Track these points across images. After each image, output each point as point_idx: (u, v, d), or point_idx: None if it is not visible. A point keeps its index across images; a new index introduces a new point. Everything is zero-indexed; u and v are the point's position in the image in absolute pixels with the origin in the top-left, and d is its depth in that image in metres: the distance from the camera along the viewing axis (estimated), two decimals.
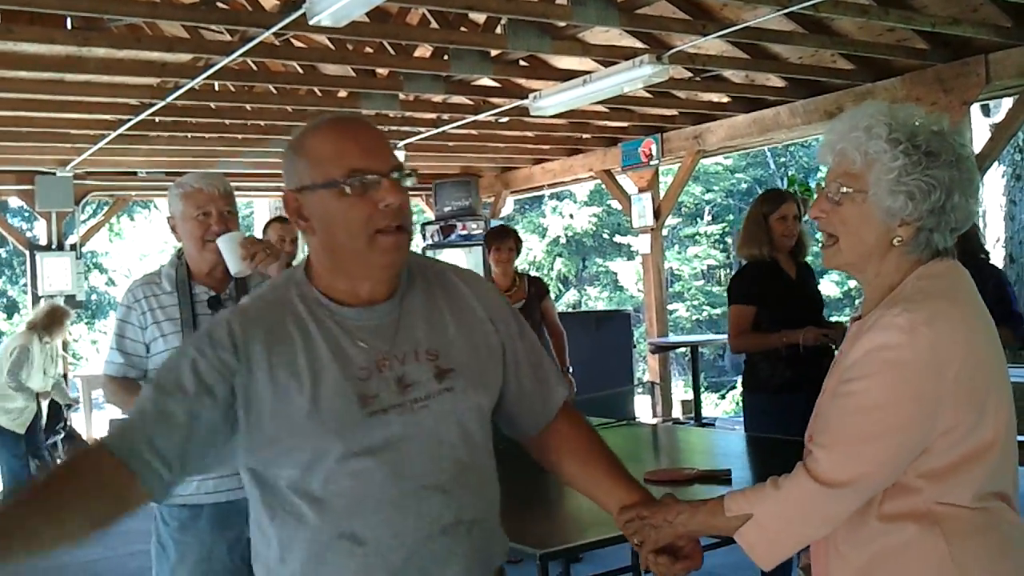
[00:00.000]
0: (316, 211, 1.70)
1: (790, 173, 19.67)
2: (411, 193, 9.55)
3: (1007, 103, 6.98)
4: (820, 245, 1.88)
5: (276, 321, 1.70)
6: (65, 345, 10.49)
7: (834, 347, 4.30)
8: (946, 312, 1.70)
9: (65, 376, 9.92)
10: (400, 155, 8.72)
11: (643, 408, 10.10)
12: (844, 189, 1.76)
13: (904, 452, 1.68)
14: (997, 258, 11.74)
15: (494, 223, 11.05)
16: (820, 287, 5.09)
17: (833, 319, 5.11)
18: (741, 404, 5.01)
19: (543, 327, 5.98)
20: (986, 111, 10.18)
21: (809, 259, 4.82)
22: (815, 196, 1.87)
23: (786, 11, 5.47)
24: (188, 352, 1.68)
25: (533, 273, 9.98)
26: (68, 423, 9.33)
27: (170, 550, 3.11)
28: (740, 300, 4.67)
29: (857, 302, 2.13)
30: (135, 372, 3.13)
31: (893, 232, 1.75)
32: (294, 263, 2.48)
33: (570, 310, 19.51)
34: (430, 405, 1.72)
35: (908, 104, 1.91)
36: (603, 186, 11.05)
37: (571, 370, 6.02)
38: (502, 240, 5.98)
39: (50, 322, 8.26)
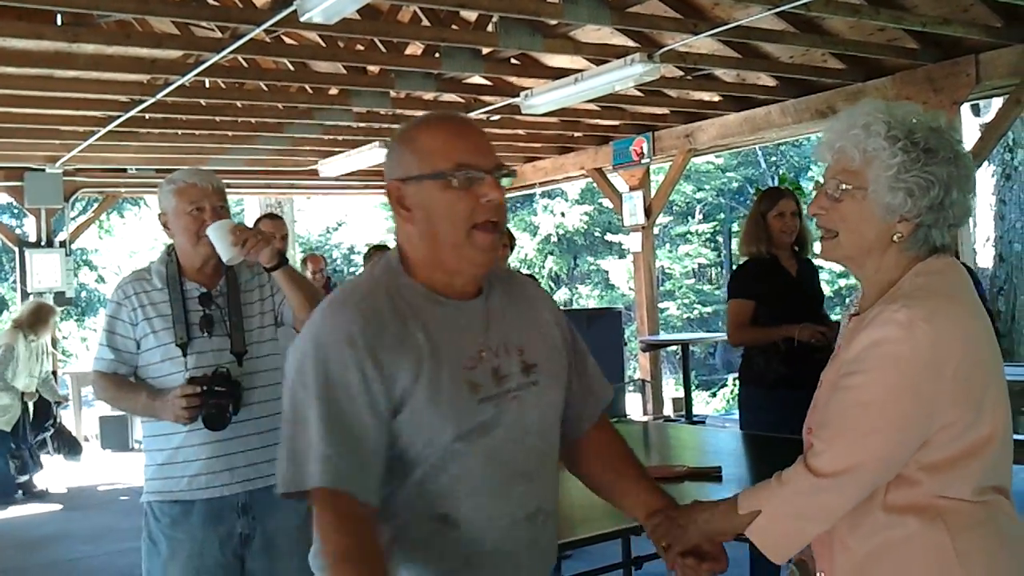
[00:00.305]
0: (420, 201, 1.76)
1: (781, 172, 19.74)
2: None
3: (997, 103, 7.00)
4: (819, 238, 1.89)
5: (390, 315, 1.74)
6: (54, 342, 10.46)
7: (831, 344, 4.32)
8: (945, 309, 1.71)
9: (54, 373, 9.89)
10: (385, 152, 8.72)
11: (634, 406, 10.12)
12: (844, 186, 1.78)
13: (902, 446, 1.70)
14: (987, 257, 11.79)
15: None
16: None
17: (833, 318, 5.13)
18: (737, 397, 5.07)
19: None
20: (976, 111, 10.22)
21: (814, 255, 4.82)
22: (814, 193, 1.89)
23: (777, 10, 5.47)
24: (350, 377, 1.70)
25: (525, 271, 9.96)
26: (57, 420, 9.30)
27: (161, 546, 3.10)
28: (739, 295, 4.75)
29: (848, 299, 2.12)
30: (125, 368, 3.12)
31: (893, 228, 1.76)
32: (288, 257, 2.49)
33: (561, 308, 19.47)
34: (520, 396, 1.81)
35: (905, 102, 1.93)
36: (594, 184, 11.05)
37: None
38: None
39: (35, 320, 8.24)
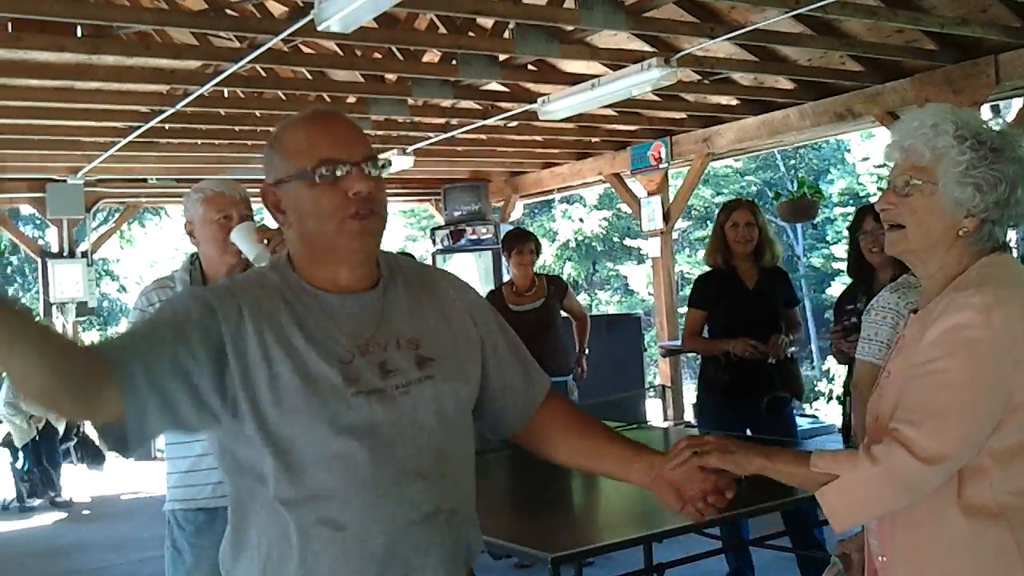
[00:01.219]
0: (291, 203, 1.76)
1: (800, 175, 19.65)
2: (420, 198, 9.66)
3: (1017, 103, 6.95)
4: (885, 231, 1.95)
5: (265, 297, 1.74)
6: None
7: (768, 358, 4.71)
8: (1014, 297, 1.78)
9: None
10: (408, 160, 8.74)
11: (654, 411, 10.07)
12: (914, 181, 1.86)
13: (986, 425, 1.75)
14: None
15: (504, 227, 11.06)
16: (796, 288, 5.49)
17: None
18: (694, 405, 5.37)
19: (563, 321, 6.12)
20: (996, 111, 10.16)
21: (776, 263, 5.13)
22: (884, 190, 1.95)
23: (794, 13, 5.45)
24: (184, 301, 1.74)
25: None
26: (81, 429, 9.37)
27: (186, 554, 3.11)
28: (693, 305, 5.14)
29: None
30: None
31: (959, 223, 1.84)
32: None
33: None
34: (411, 391, 1.75)
35: (967, 108, 2.05)
36: (612, 190, 11.03)
37: (588, 352, 6.22)
38: (523, 243, 6.04)
39: None
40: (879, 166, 20.65)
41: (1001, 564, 1.75)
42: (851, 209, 21.68)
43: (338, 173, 1.71)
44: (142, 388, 1.58)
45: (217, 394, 1.65)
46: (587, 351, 6.20)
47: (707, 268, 5.19)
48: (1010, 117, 6.83)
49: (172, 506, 3.17)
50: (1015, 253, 10.09)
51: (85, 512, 8.27)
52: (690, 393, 13.23)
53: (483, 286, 10.98)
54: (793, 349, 4.91)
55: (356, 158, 1.74)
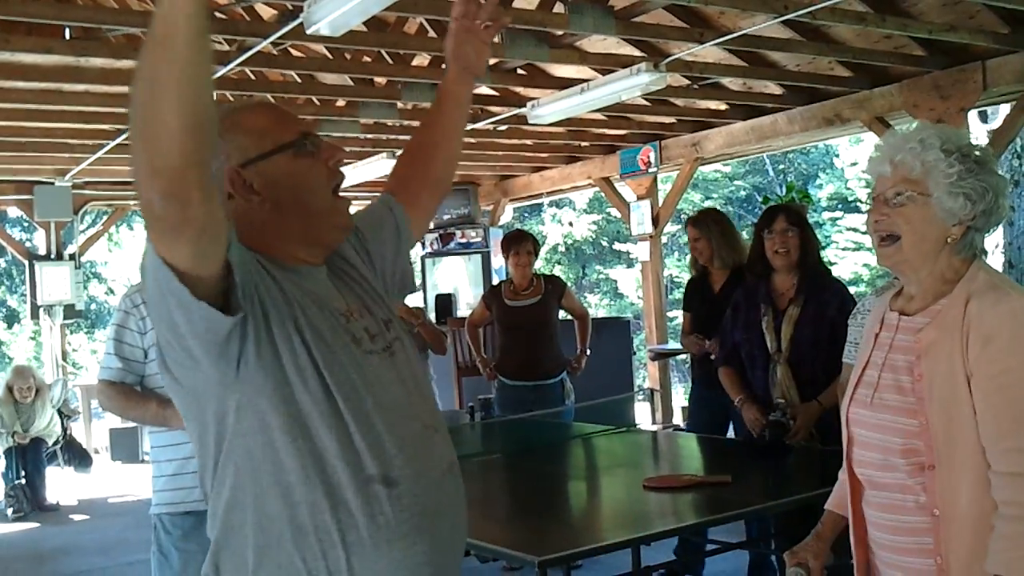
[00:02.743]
0: (273, 179, 1.67)
1: (789, 180, 19.70)
2: None
3: (1004, 109, 6.99)
4: (877, 244, 2.05)
5: (256, 270, 1.63)
6: (64, 355, 10.51)
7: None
8: None
9: (65, 386, 9.93)
10: None
11: (643, 415, 10.08)
12: (908, 193, 1.96)
13: None
14: (996, 263, 11.75)
15: (494, 231, 11.07)
16: None
17: None
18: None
19: (560, 320, 6.23)
20: (984, 117, 10.19)
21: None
22: (871, 203, 2.06)
23: (783, 19, 5.47)
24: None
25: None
26: (68, 432, 9.34)
27: (173, 559, 3.10)
28: (684, 307, 5.77)
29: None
30: (132, 378, 3.12)
31: (949, 232, 1.95)
32: None
33: (570, 318, 19.45)
34: (395, 352, 1.75)
35: (946, 126, 2.20)
36: (602, 194, 11.05)
37: (588, 352, 6.25)
38: (520, 244, 6.08)
39: (9, 388, 8.56)
40: (867, 171, 20.69)
41: None
42: (840, 214, 21.75)
43: (318, 144, 1.71)
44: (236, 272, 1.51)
45: (267, 342, 1.58)
46: (588, 351, 6.21)
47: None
48: (997, 123, 6.87)
49: (159, 510, 3.15)
50: (1002, 258, 10.12)
51: (72, 515, 8.23)
52: (679, 396, 13.26)
53: (473, 289, 10.99)
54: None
55: (315, 133, 1.74)
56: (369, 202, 2.08)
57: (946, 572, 1.89)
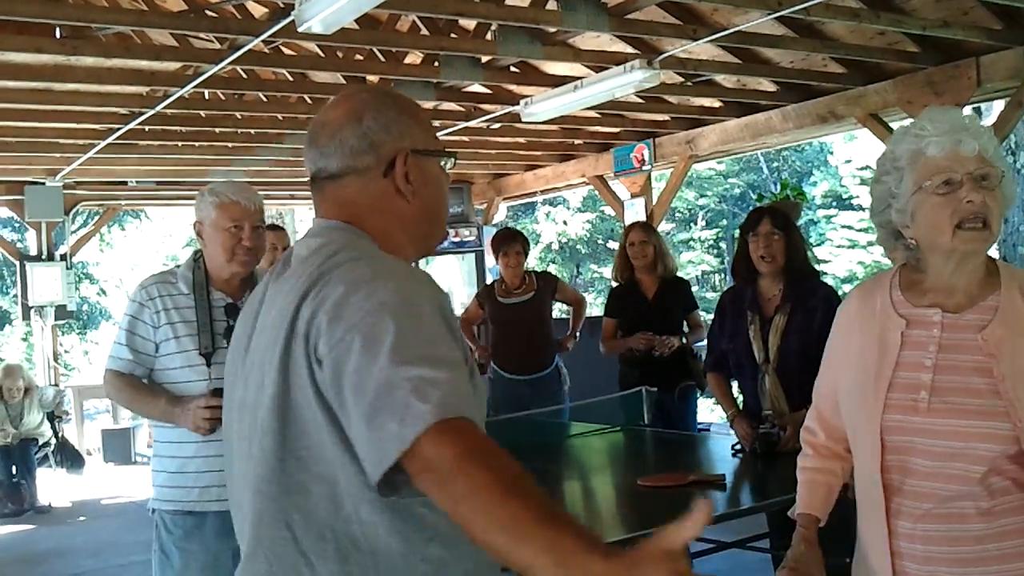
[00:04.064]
0: (427, 177, 1.69)
1: (783, 177, 19.71)
2: None
3: (998, 106, 6.98)
4: (958, 229, 1.88)
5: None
6: (56, 356, 10.47)
7: (655, 352, 5.50)
8: None
9: (57, 385, 9.90)
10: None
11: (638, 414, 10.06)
12: (999, 172, 1.87)
13: None
14: None
15: (488, 229, 11.04)
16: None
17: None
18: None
19: (553, 316, 6.33)
20: (978, 113, 10.21)
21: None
22: (979, 181, 1.89)
23: (777, 15, 5.45)
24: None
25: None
26: (60, 434, 9.31)
27: (174, 558, 3.09)
28: (606, 314, 5.96)
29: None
30: (141, 370, 3.11)
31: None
32: None
33: (564, 315, 19.52)
34: None
35: None
36: (596, 192, 11.03)
37: (578, 336, 6.36)
38: (509, 244, 6.08)
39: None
40: (862, 168, 20.74)
41: None
42: (835, 211, 21.78)
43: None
44: None
45: None
46: (577, 336, 6.23)
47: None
48: (991, 119, 6.86)
49: (158, 505, 3.15)
50: (996, 254, 10.19)
51: (64, 517, 8.19)
52: None
53: (467, 288, 10.97)
54: (672, 346, 5.55)
55: None
56: None
57: None
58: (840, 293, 4.24)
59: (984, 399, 1.82)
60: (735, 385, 4.35)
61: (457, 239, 11.32)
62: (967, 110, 6.64)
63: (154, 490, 3.17)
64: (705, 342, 4.72)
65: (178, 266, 3.25)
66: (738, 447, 4.08)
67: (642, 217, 9.53)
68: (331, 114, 1.68)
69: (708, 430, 9.44)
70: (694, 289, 6.28)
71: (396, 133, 1.64)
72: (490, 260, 10.37)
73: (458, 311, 9.65)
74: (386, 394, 1.33)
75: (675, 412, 5.51)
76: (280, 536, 1.53)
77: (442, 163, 1.72)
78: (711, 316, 4.57)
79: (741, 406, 4.26)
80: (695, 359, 5.74)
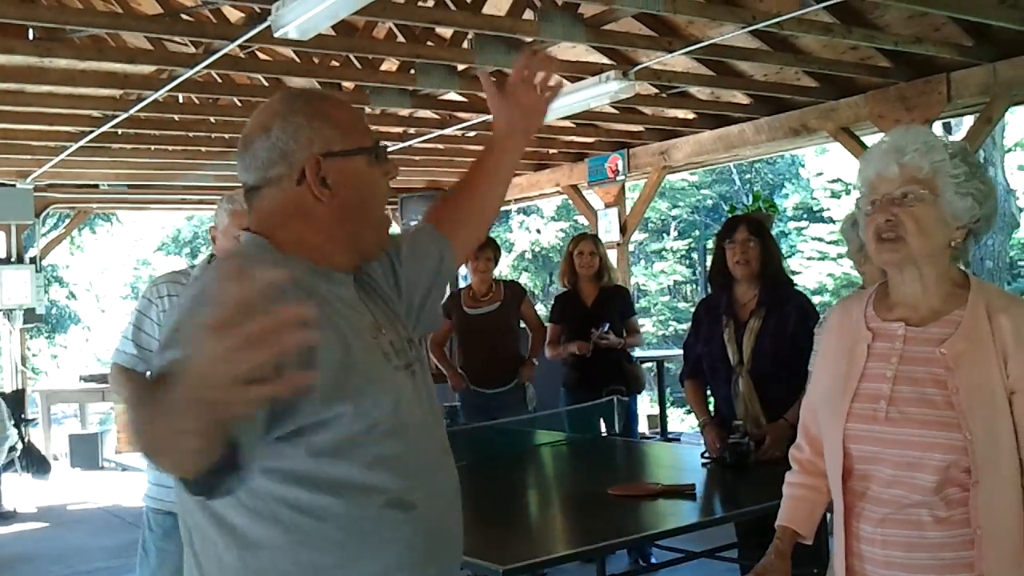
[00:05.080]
0: (346, 178, 1.65)
1: (755, 189, 19.84)
2: None
3: (968, 121, 7.07)
4: (877, 243, 1.99)
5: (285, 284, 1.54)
6: (24, 360, 10.36)
7: (586, 353, 5.75)
8: None
9: (24, 391, 9.79)
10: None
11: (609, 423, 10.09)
12: (918, 192, 1.92)
13: None
14: None
15: None
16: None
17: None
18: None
19: (519, 327, 6.31)
20: (948, 129, 10.31)
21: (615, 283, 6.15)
22: (876, 205, 1.99)
23: (751, 29, 5.50)
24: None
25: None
26: (26, 437, 9.20)
27: (151, 556, 3.16)
28: (551, 320, 6.16)
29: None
30: (144, 366, 3.13)
31: (952, 234, 1.94)
32: None
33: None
34: (416, 371, 1.72)
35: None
36: (570, 201, 11.06)
37: (536, 362, 6.28)
38: (481, 249, 6.05)
39: None
40: (832, 181, 20.89)
41: None
42: (805, 224, 21.92)
43: (387, 157, 1.72)
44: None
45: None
46: (535, 362, 6.20)
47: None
48: (961, 135, 6.94)
49: (147, 502, 3.23)
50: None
51: (30, 523, 8.10)
52: (645, 404, 13.29)
53: None
54: (607, 342, 5.76)
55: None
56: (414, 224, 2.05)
57: None
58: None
59: (939, 410, 1.88)
60: (710, 392, 4.37)
61: None
62: (937, 125, 6.73)
63: (148, 486, 3.25)
64: (681, 351, 4.74)
65: (192, 266, 3.29)
66: (708, 456, 4.10)
67: (616, 228, 9.59)
68: (248, 126, 1.69)
69: (679, 439, 9.49)
70: (664, 299, 6.37)
71: (305, 140, 1.63)
72: (462, 267, 10.36)
73: None
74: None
75: (606, 416, 5.72)
76: (185, 532, 1.63)
77: (373, 157, 1.69)
78: (684, 326, 4.61)
79: (714, 412, 4.29)
80: (631, 363, 6.08)
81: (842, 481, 2.00)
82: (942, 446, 1.87)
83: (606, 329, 5.79)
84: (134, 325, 3.17)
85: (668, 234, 23.91)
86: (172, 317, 1.51)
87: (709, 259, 4.90)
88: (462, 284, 7.31)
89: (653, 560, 5.41)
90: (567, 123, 8.26)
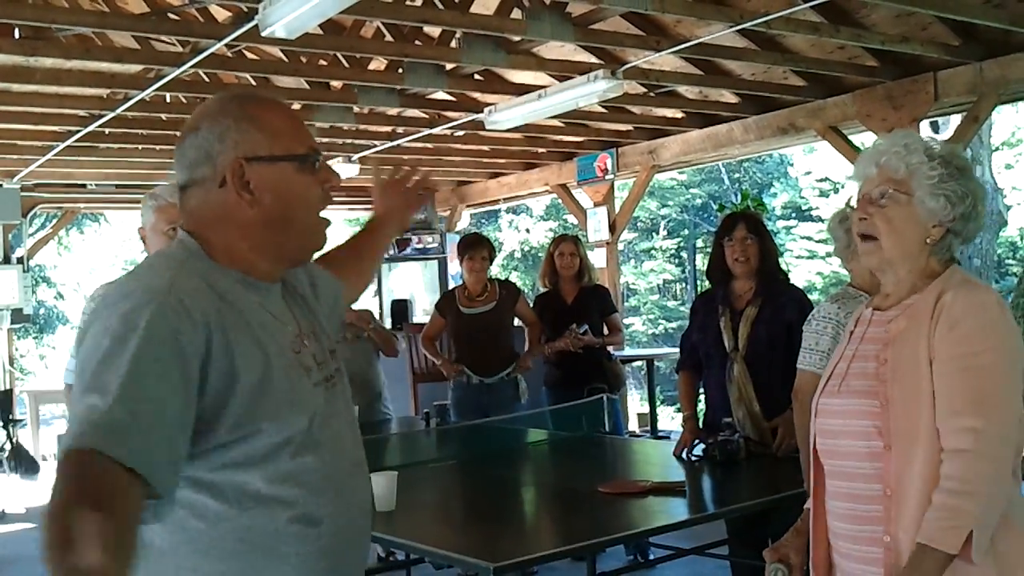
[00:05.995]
0: (271, 184, 1.63)
1: (744, 188, 19.88)
2: (366, 207, 9.58)
3: (955, 120, 7.09)
4: (859, 242, 2.12)
5: (205, 297, 1.54)
6: (12, 360, 10.32)
7: (573, 349, 5.81)
8: (997, 298, 2.01)
9: (11, 392, 9.75)
10: (354, 168, 8.70)
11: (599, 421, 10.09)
12: (891, 192, 2.03)
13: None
14: None
15: (451, 237, 11.03)
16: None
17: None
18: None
19: (514, 325, 6.28)
20: (935, 128, 10.33)
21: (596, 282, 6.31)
22: (856, 203, 2.14)
23: (738, 28, 5.51)
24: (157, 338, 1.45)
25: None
26: (14, 438, 9.17)
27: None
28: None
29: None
30: None
31: (929, 232, 2.02)
32: None
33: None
34: (335, 384, 1.72)
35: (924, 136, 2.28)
36: (559, 200, 11.07)
37: (536, 355, 6.28)
38: (475, 249, 6.05)
39: None
40: (821, 180, 20.94)
41: None
42: (794, 222, 21.98)
43: (322, 163, 1.69)
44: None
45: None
46: (534, 355, 6.21)
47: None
48: (947, 134, 6.96)
49: None
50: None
51: (18, 523, 8.07)
52: (635, 402, 13.31)
53: (429, 295, 10.95)
54: (585, 339, 5.83)
55: (321, 151, 1.71)
56: None
57: (894, 550, 1.92)
58: None
59: (867, 381, 2.02)
60: (703, 383, 4.40)
61: (420, 245, 11.30)
62: (924, 124, 6.75)
63: None
64: (677, 347, 4.76)
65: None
66: (697, 454, 4.11)
67: (605, 227, 9.60)
68: (185, 123, 1.70)
69: (668, 437, 9.49)
70: (654, 298, 6.38)
71: (231, 142, 1.62)
72: (453, 267, 10.36)
73: (420, 318, 9.65)
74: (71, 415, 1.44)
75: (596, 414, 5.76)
76: None
77: (305, 165, 1.66)
78: (673, 325, 4.63)
79: (708, 399, 4.34)
80: (612, 361, 6.14)
81: (815, 459, 2.14)
82: (862, 412, 2.00)
83: (583, 331, 5.85)
84: (79, 341, 3.10)
85: (657, 233, 23.92)
86: (91, 350, 1.45)
87: (699, 258, 4.92)
88: (456, 283, 7.31)
89: (649, 556, 5.45)
90: (556, 122, 8.27)
